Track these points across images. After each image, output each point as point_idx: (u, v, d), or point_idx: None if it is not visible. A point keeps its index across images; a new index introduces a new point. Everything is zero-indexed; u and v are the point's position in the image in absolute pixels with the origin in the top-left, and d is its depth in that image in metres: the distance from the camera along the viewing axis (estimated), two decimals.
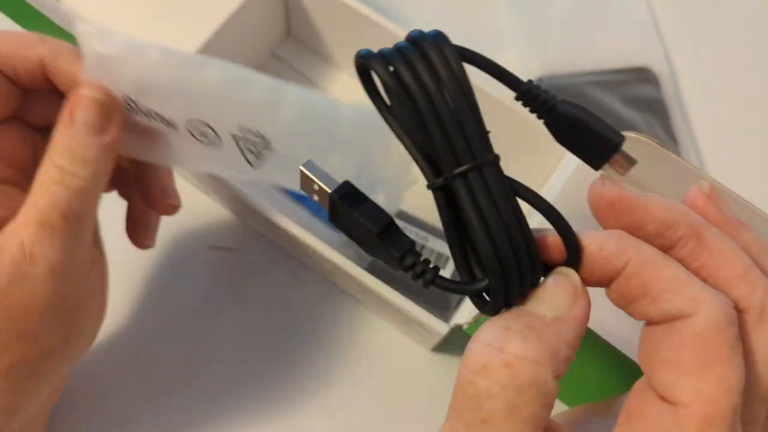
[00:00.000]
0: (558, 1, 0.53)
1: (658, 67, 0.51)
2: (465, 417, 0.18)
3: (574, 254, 0.19)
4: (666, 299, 0.18)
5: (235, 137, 0.29)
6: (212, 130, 0.29)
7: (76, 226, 0.24)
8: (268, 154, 0.30)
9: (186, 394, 0.38)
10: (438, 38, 0.18)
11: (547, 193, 0.36)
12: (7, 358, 0.24)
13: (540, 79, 0.49)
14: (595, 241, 0.19)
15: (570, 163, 0.37)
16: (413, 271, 0.19)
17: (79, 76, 0.24)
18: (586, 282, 0.19)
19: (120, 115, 0.25)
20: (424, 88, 0.18)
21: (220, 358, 0.39)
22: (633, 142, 0.32)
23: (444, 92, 0.18)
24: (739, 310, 0.18)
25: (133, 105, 0.28)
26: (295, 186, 0.26)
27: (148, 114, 0.28)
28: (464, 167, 0.18)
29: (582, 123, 0.20)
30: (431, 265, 0.19)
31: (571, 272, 0.19)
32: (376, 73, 0.18)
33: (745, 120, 0.50)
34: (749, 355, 0.18)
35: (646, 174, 0.35)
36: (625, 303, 0.19)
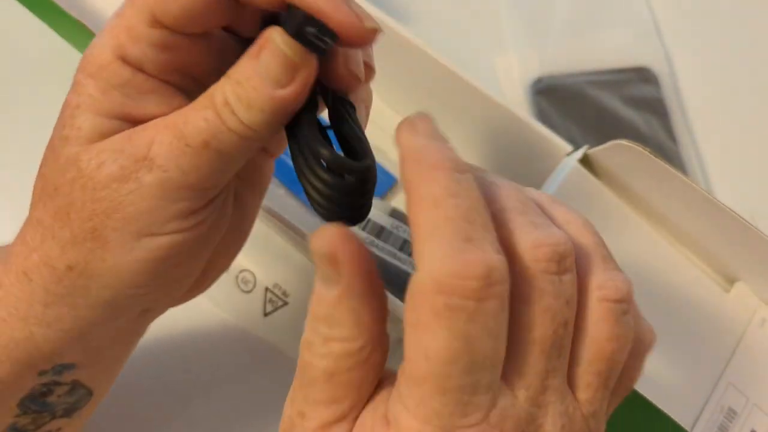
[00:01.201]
0: (558, 1, 0.53)
1: (658, 67, 0.51)
2: None
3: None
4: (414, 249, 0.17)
5: (267, 289, 0.38)
6: (255, 279, 0.38)
7: (216, 162, 0.20)
8: (280, 309, 0.38)
9: None
10: None
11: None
12: (69, 255, 0.21)
13: (540, 79, 0.50)
14: None
15: (567, 165, 0.38)
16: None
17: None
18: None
19: (308, 76, 0.21)
20: None
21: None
22: (622, 149, 0.32)
23: None
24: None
25: None
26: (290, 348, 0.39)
27: None
28: None
29: None
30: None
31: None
32: None
33: (745, 120, 0.50)
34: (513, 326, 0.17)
35: (636, 180, 0.35)
36: None
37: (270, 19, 0.21)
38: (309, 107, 0.21)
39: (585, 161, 0.37)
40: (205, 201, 0.21)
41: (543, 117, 0.48)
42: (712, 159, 0.48)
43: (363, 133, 0.21)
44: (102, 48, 0.21)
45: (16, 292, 0.22)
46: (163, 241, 0.21)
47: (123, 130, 0.21)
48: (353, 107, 0.22)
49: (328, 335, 0.18)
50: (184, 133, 0.20)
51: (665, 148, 0.48)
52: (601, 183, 0.37)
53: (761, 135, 0.50)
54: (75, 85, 0.21)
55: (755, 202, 0.47)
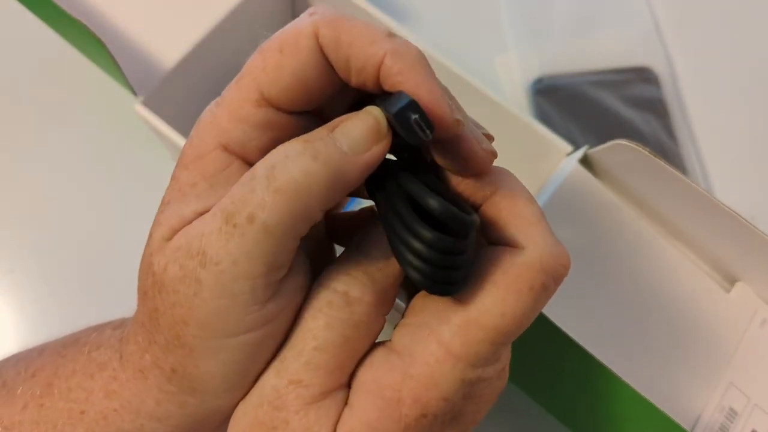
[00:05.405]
0: (558, 1, 0.53)
1: (658, 67, 0.51)
2: None
3: None
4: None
5: None
6: None
7: (265, 241, 0.18)
8: None
9: None
10: None
11: (544, 195, 0.37)
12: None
13: (540, 79, 0.50)
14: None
15: (567, 165, 0.38)
16: None
17: (418, 87, 0.18)
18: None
19: (385, 145, 0.20)
20: None
21: None
22: (622, 149, 0.32)
23: None
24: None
25: None
26: None
27: None
28: None
29: None
30: None
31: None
32: None
33: (745, 120, 0.50)
34: None
35: (636, 180, 0.35)
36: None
37: (357, 105, 0.20)
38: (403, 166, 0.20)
39: (585, 161, 0.37)
40: (270, 291, 0.19)
41: (543, 117, 0.48)
42: (712, 159, 0.48)
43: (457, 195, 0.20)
44: (202, 138, 0.20)
45: (131, 387, 0.21)
46: (244, 340, 0.19)
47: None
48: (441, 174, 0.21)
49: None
50: (230, 212, 0.18)
51: (665, 148, 0.48)
52: (601, 183, 0.37)
53: (761, 135, 0.50)
54: (170, 181, 0.20)
55: (755, 202, 0.47)
